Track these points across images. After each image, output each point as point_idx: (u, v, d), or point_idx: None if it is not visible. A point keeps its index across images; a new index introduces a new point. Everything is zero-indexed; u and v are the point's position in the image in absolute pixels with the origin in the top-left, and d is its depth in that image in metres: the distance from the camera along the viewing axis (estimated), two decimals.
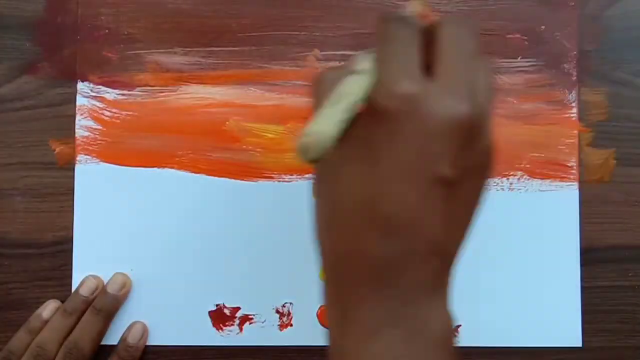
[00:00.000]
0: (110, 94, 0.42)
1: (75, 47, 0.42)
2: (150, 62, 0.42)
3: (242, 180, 0.41)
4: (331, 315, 0.27)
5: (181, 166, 0.41)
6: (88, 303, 0.40)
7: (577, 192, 0.41)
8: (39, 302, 0.41)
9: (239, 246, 0.41)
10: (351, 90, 0.25)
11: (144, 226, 0.41)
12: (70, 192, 0.41)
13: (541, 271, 0.41)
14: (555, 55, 0.42)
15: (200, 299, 0.41)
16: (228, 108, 0.41)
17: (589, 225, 0.41)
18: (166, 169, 0.41)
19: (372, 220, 0.25)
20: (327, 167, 0.26)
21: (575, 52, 0.42)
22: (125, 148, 0.41)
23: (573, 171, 0.41)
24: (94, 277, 0.41)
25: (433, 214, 0.25)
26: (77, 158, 0.41)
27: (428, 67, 0.25)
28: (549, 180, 0.41)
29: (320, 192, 0.26)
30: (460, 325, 0.41)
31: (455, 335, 0.27)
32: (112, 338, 0.41)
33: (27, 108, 0.42)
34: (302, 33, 0.42)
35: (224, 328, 0.41)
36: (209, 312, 0.41)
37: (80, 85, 0.42)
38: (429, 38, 0.26)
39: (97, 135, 0.41)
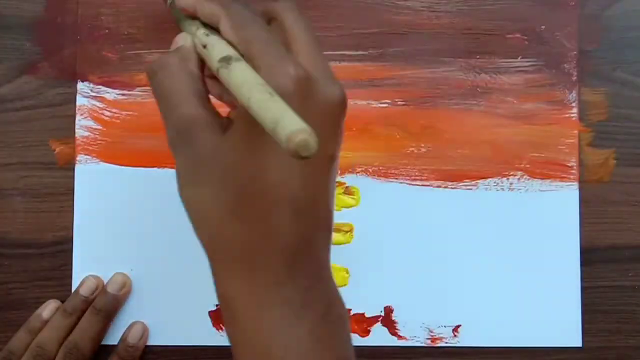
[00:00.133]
0: (110, 94, 0.42)
1: (75, 47, 0.42)
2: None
3: None
4: (241, 305, 0.26)
5: None
6: (88, 303, 0.40)
7: (577, 192, 0.41)
8: (39, 302, 0.41)
9: None
10: (259, 79, 0.24)
11: (144, 226, 0.41)
12: (70, 192, 0.41)
13: (541, 271, 0.41)
14: (555, 55, 0.42)
15: (200, 299, 0.41)
16: (228, 108, 0.41)
17: (589, 225, 0.41)
18: (166, 169, 0.41)
19: (279, 204, 0.25)
20: (216, 157, 0.25)
21: (575, 52, 0.42)
22: (125, 148, 0.41)
23: (573, 171, 0.41)
24: (94, 277, 0.41)
25: (328, 190, 0.27)
26: (77, 158, 0.41)
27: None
28: (549, 180, 0.41)
29: (209, 182, 0.26)
30: (460, 325, 0.41)
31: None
32: (112, 338, 0.41)
33: (27, 108, 0.42)
34: None
35: (224, 328, 0.41)
36: (209, 312, 0.41)
37: (80, 85, 0.42)
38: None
39: (97, 135, 0.41)
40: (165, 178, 0.41)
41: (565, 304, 0.41)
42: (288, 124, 0.21)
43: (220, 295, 0.27)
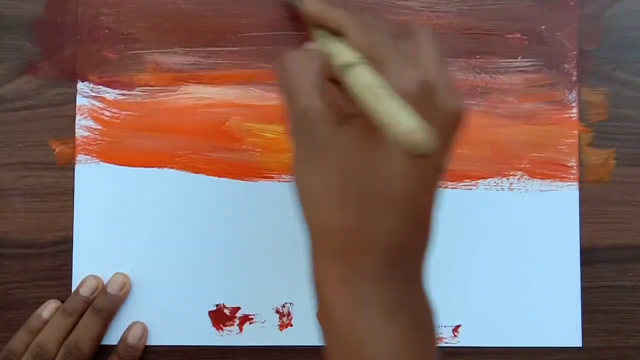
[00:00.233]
0: (110, 94, 0.42)
1: (75, 47, 0.42)
2: (150, 62, 0.42)
3: (242, 180, 0.41)
4: (336, 297, 0.27)
5: (181, 166, 0.41)
6: (88, 303, 0.40)
7: (577, 192, 0.41)
8: (39, 302, 0.41)
9: (239, 246, 0.41)
10: (382, 81, 0.25)
11: (144, 226, 0.41)
12: (70, 192, 0.41)
13: (541, 271, 0.41)
14: (555, 55, 0.42)
15: (200, 299, 0.41)
16: (228, 108, 0.41)
17: (589, 225, 0.41)
18: (166, 169, 0.41)
19: (386, 203, 0.26)
20: (332, 147, 0.26)
21: (575, 52, 0.42)
22: (125, 148, 0.41)
23: (573, 171, 0.41)
24: (94, 277, 0.41)
25: (433, 198, 0.27)
26: (77, 158, 0.41)
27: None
28: (549, 180, 0.41)
29: (323, 170, 0.27)
30: (460, 325, 0.41)
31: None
32: (112, 338, 0.41)
33: (27, 108, 0.42)
34: (302, 33, 0.42)
35: (224, 328, 0.41)
36: (209, 312, 0.41)
37: (80, 85, 0.42)
38: None
39: (97, 135, 0.41)
40: (165, 178, 0.41)
41: (565, 304, 0.41)
42: (406, 120, 0.22)
43: (316, 282, 0.28)
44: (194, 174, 0.41)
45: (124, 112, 0.41)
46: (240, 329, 0.41)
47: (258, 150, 0.41)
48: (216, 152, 0.41)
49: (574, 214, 0.41)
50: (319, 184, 0.27)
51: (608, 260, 0.41)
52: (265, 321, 0.41)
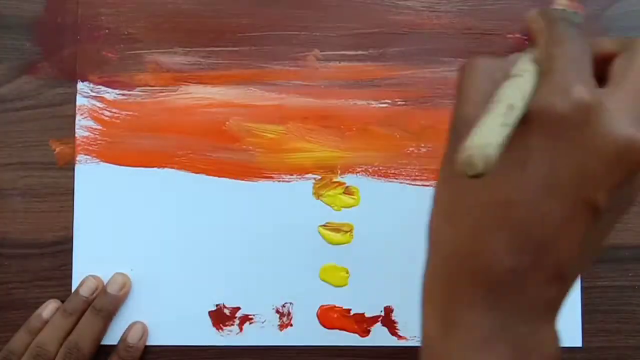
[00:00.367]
0: (110, 94, 0.42)
1: (75, 47, 0.42)
2: (150, 62, 0.42)
3: (242, 180, 0.41)
4: (429, 312, 0.26)
5: (181, 166, 0.41)
6: (88, 303, 0.40)
7: None
8: (39, 302, 0.41)
9: (239, 246, 0.41)
10: (513, 96, 0.23)
11: (144, 226, 0.41)
12: (70, 192, 0.41)
13: None
14: None
15: (200, 299, 0.41)
16: (228, 108, 0.41)
17: None
18: (166, 169, 0.41)
19: (502, 227, 0.24)
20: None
21: None
22: (125, 148, 0.41)
23: None
24: (94, 277, 0.41)
25: (572, 238, 0.24)
26: (77, 158, 0.41)
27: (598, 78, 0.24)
28: None
29: (448, 182, 0.25)
30: None
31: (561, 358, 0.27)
32: (112, 338, 0.41)
33: (27, 108, 0.42)
34: (302, 33, 0.42)
35: (224, 328, 0.41)
36: (209, 312, 0.41)
37: (80, 85, 0.42)
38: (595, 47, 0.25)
39: (97, 135, 0.41)
40: (166, 178, 0.41)
41: (565, 304, 0.41)
42: (471, 137, 0.20)
43: (422, 289, 0.27)
44: (194, 174, 0.41)
45: (124, 112, 0.41)
46: (240, 329, 0.41)
47: (258, 150, 0.41)
48: (216, 152, 0.41)
49: None
50: (444, 195, 0.25)
51: (608, 260, 0.41)
52: (265, 321, 0.41)
